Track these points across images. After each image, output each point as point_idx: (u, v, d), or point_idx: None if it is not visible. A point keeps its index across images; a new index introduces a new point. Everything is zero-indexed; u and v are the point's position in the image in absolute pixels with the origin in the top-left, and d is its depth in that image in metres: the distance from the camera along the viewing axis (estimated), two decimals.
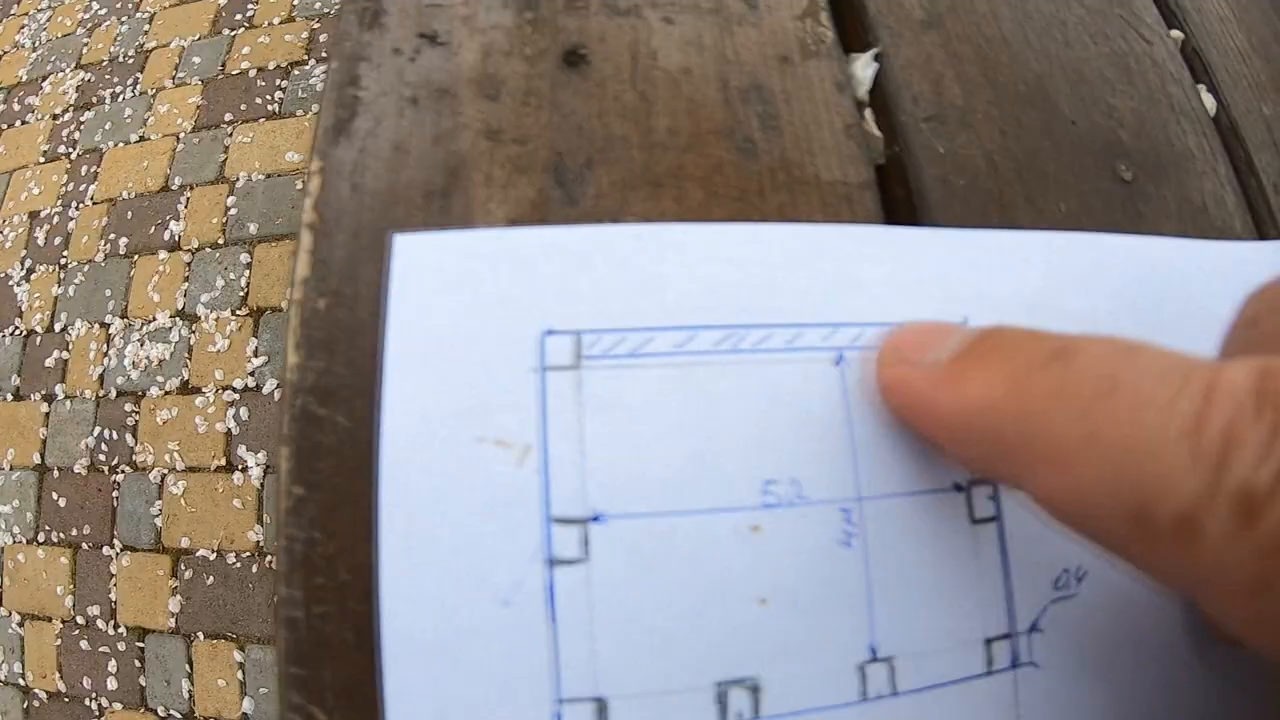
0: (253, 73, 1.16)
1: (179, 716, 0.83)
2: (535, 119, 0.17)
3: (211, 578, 0.87)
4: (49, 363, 1.01)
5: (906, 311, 0.15)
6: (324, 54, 1.16)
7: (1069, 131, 0.21)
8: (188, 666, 0.85)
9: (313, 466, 0.14)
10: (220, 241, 1.04)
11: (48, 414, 0.98)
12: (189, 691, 0.84)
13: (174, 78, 1.18)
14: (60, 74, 1.24)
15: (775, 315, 0.15)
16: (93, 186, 1.11)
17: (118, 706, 0.85)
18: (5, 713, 0.87)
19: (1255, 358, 0.10)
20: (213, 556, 0.88)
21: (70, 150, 1.16)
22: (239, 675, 0.84)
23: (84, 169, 1.13)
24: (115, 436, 0.95)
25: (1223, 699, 0.15)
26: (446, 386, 0.14)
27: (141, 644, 0.87)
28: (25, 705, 0.87)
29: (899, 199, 0.19)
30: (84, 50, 1.26)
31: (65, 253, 1.07)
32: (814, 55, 0.20)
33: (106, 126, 1.16)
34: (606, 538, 0.13)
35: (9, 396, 1.01)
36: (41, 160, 1.16)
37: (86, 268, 1.06)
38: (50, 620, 0.89)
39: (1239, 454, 0.09)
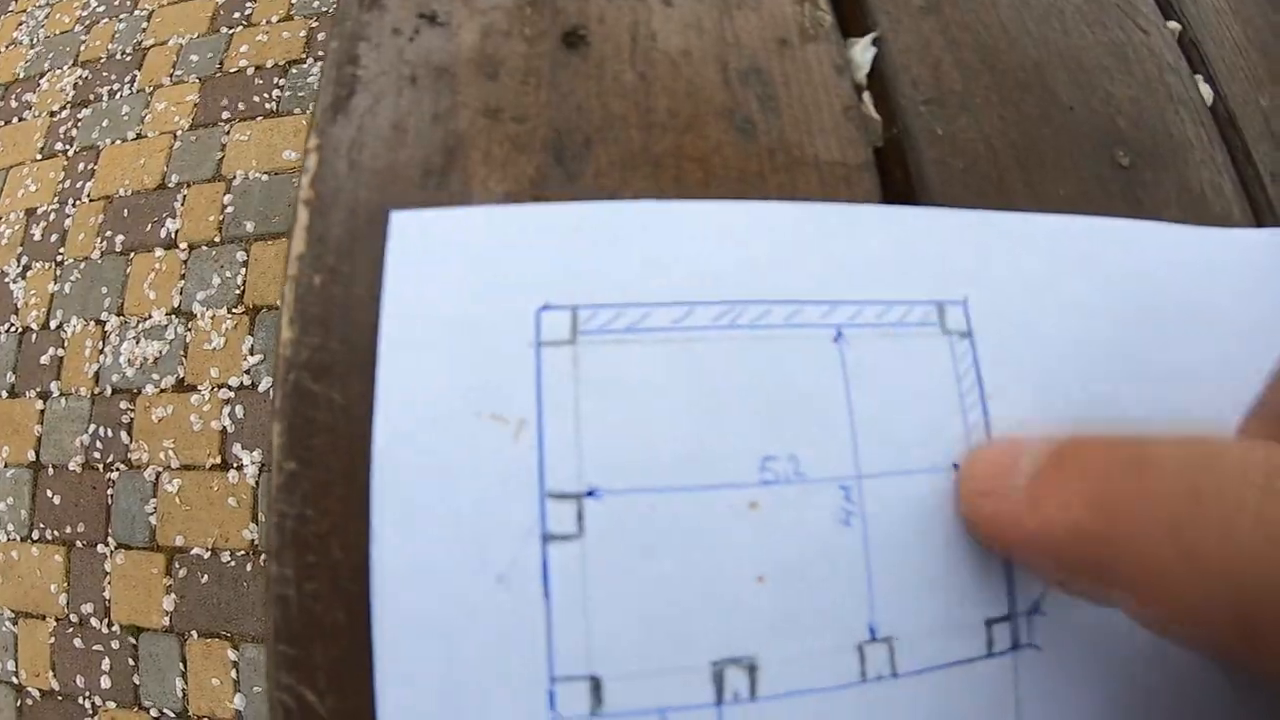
0: (250, 71, 1.16)
1: (172, 715, 0.83)
2: (534, 98, 0.17)
3: (206, 576, 0.87)
4: (44, 360, 1.00)
5: (906, 289, 0.15)
6: (322, 52, 1.15)
7: (1067, 117, 0.21)
8: (181, 665, 0.84)
9: (305, 443, 0.14)
10: (217, 239, 1.03)
11: (43, 411, 0.98)
12: (182, 690, 0.83)
13: (171, 75, 1.18)
14: (58, 71, 1.24)
15: (774, 292, 0.15)
16: (89, 184, 1.11)
17: (111, 705, 0.84)
18: None
19: None
20: (207, 555, 0.88)
21: (67, 147, 1.15)
22: (233, 674, 0.83)
23: (81, 166, 1.13)
24: (110, 434, 0.94)
25: (1224, 685, 0.15)
26: (442, 362, 0.14)
27: (135, 642, 0.86)
28: (18, 704, 0.86)
29: (898, 181, 0.19)
30: (82, 48, 1.25)
31: (61, 250, 1.07)
32: (813, 39, 0.20)
33: (104, 124, 1.16)
34: (602, 513, 0.13)
35: (4, 393, 1.00)
36: (38, 157, 1.16)
37: (83, 265, 1.05)
38: (44, 618, 0.89)
39: None
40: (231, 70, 1.17)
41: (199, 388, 0.95)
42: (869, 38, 0.20)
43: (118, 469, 0.93)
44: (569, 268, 0.14)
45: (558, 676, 0.12)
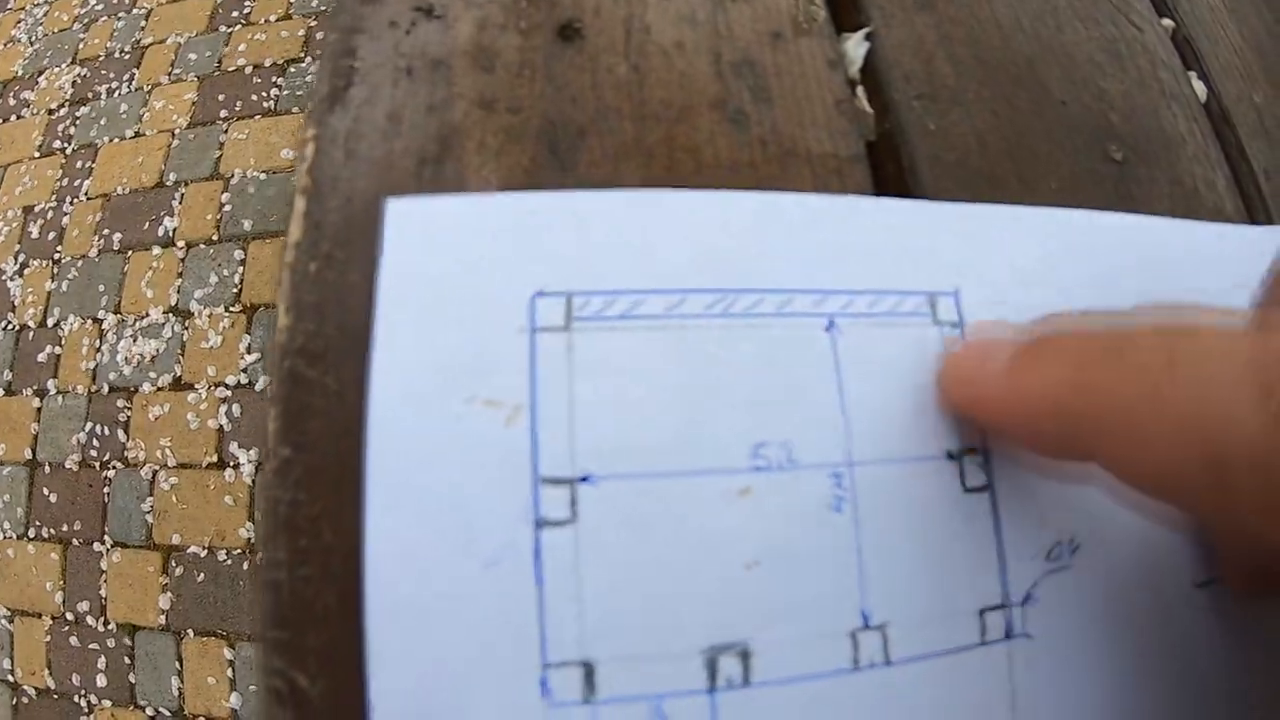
0: (249, 70, 1.16)
1: (168, 714, 0.83)
2: (529, 90, 0.17)
3: (202, 575, 0.87)
4: (41, 358, 1.00)
5: (898, 280, 0.15)
6: (320, 51, 1.15)
7: (1059, 112, 0.21)
8: (177, 664, 0.84)
9: (300, 428, 0.14)
10: (214, 238, 1.03)
11: (39, 409, 0.98)
12: (178, 689, 0.83)
13: (170, 74, 1.18)
14: (56, 69, 1.24)
15: (766, 281, 0.15)
16: (87, 182, 1.11)
17: (107, 703, 0.84)
18: None
19: None
20: (203, 553, 0.88)
21: (65, 145, 1.15)
22: (229, 673, 0.83)
23: (79, 164, 1.13)
24: (107, 432, 0.94)
25: (1216, 673, 0.15)
26: (437, 347, 0.14)
27: (131, 641, 0.86)
28: (14, 702, 0.86)
29: (890, 175, 0.19)
30: (80, 46, 1.25)
31: (59, 248, 1.07)
32: (806, 33, 0.20)
33: (102, 122, 1.16)
34: (595, 499, 0.13)
35: (1, 391, 1.00)
36: (36, 155, 1.16)
37: (80, 263, 1.05)
38: (40, 616, 0.89)
39: None
40: (230, 69, 1.17)
41: (196, 386, 0.95)
42: (862, 33, 0.20)
43: (114, 467, 0.93)
44: (563, 255, 0.14)
45: (550, 662, 0.12)
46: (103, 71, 1.21)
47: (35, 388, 0.99)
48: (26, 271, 1.07)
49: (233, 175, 1.07)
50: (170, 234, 1.04)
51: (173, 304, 1.00)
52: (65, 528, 0.91)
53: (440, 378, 0.13)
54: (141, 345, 0.98)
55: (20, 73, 1.25)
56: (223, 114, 1.13)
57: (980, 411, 0.14)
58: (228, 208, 1.05)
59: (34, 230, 1.09)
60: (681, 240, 0.15)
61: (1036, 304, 0.16)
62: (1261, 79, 0.25)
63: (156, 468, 0.91)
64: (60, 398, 0.98)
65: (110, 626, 0.87)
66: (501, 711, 0.12)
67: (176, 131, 1.12)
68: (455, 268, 0.14)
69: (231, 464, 0.90)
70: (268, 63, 1.16)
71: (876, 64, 0.20)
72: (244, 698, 0.82)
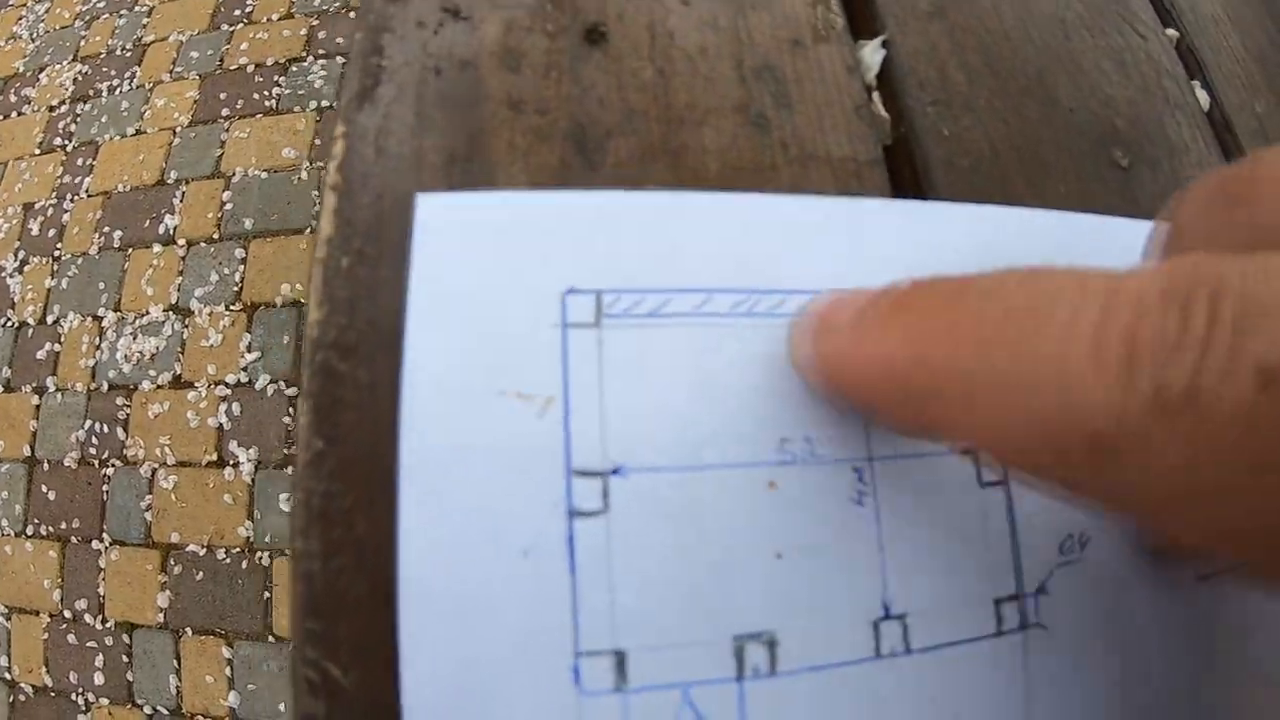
0: (251, 68, 1.16)
1: (166, 712, 0.82)
2: (556, 91, 0.18)
3: (201, 573, 0.86)
4: (40, 355, 1.00)
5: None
6: (322, 51, 1.16)
7: (1067, 119, 0.22)
8: (175, 662, 0.84)
9: (332, 420, 0.15)
10: (215, 236, 1.03)
11: (38, 406, 0.97)
12: (176, 687, 0.83)
13: (171, 72, 1.18)
14: (58, 66, 1.24)
15: (789, 282, 0.15)
16: (88, 179, 1.11)
17: (104, 701, 0.84)
18: None
19: (1166, 263, 0.09)
20: (202, 552, 0.87)
21: (66, 142, 1.15)
22: (227, 671, 0.83)
23: (79, 161, 1.12)
24: (106, 430, 0.94)
25: (1224, 665, 0.15)
26: (469, 341, 0.14)
27: (129, 639, 0.85)
28: (11, 699, 0.86)
29: (906, 178, 0.19)
30: (82, 43, 1.25)
31: (59, 245, 1.07)
32: (824, 40, 0.20)
33: (103, 119, 1.16)
34: (626, 490, 0.13)
35: (0, 388, 1.00)
36: (37, 152, 1.15)
37: (80, 260, 1.05)
38: (38, 614, 0.88)
39: (1147, 355, 0.09)
40: (231, 67, 1.17)
41: (196, 384, 0.95)
42: (878, 40, 0.21)
43: (113, 465, 0.92)
44: (593, 253, 0.15)
45: (582, 651, 0.13)
46: (104, 69, 1.21)
47: (34, 385, 0.99)
48: (26, 268, 1.06)
49: (234, 174, 1.07)
50: (171, 232, 1.04)
51: (173, 302, 1.00)
52: (64, 525, 0.91)
53: (473, 371, 0.14)
54: (141, 343, 0.98)
55: (21, 69, 1.25)
56: (224, 112, 1.13)
57: (825, 374, 0.13)
58: (229, 206, 1.05)
59: (34, 227, 1.09)
60: (707, 242, 0.15)
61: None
62: (1263, 88, 0.26)
63: (156, 466, 0.91)
64: (59, 395, 0.97)
65: (108, 624, 0.86)
66: (534, 700, 0.12)
67: (178, 129, 1.12)
68: (487, 264, 0.14)
69: (231, 462, 0.90)
70: (269, 61, 1.16)
71: (892, 71, 0.21)
72: (242, 696, 0.82)
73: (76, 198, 1.10)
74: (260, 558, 0.86)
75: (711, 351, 0.14)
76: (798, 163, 0.18)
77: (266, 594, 0.85)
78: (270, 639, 0.83)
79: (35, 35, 1.28)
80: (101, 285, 1.03)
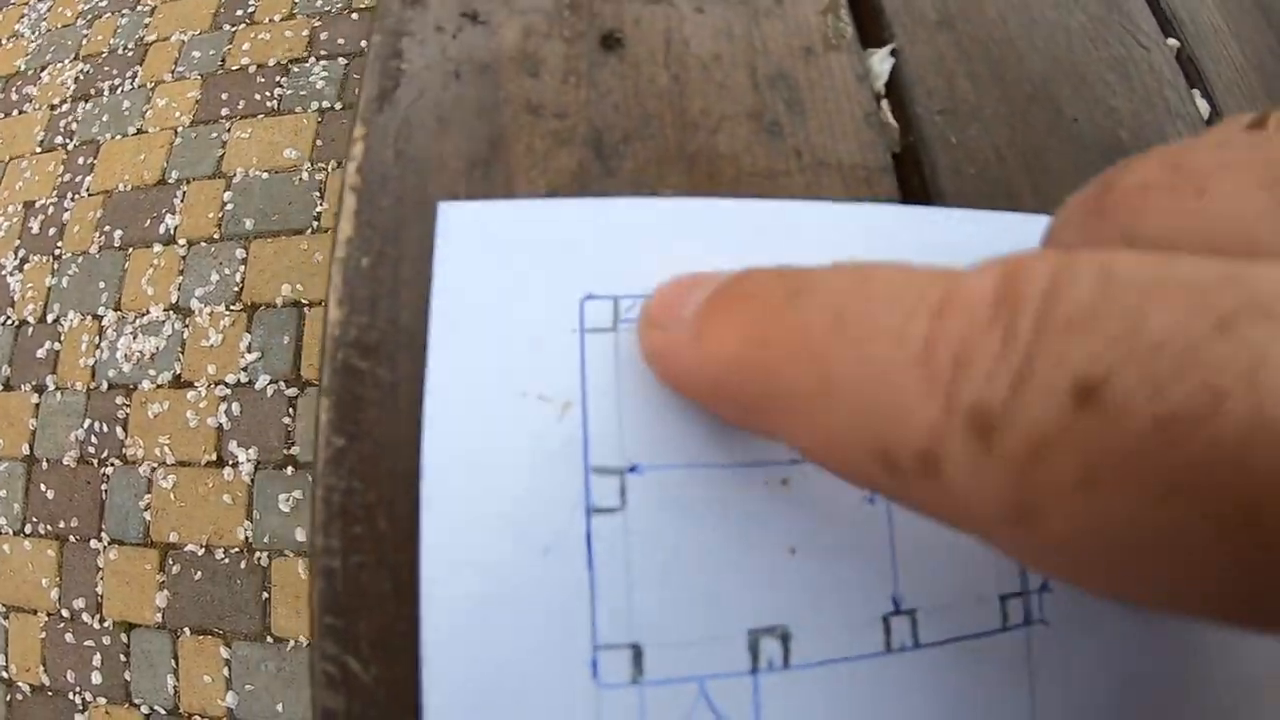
0: (252, 69, 1.16)
1: (163, 712, 0.82)
2: (574, 96, 0.18)
3: (199, 573, 0.86)
4: (40, 353, 1.00)
5: None
6: (324, 52, 1.16)
7: (1071, 129, 0.22)
8: (173, 662, 0.83)
9: (353, 418, 0.15)
10: (216, 236, 1.03)
11: (38, 405, 0.97)
12: (174, 687, 0.83)
13: (173, 72, 1.18)
14: (59, 65, 1.24)
15: None
16: (89, 178, 1.11)
17: (102, 701, 0.83)
18: None
19: (1000, 261, 0.09)
20: (201, 552, 0.87)
21: (67, 141, 1.15)
22: (224, 671, 0.83)
23: (80, 160, 1.12)
24: (105, 429, 0.94)
25: (1227, 662, 0.16)
26: (491, 345, 0.14)
27: (127, 638, 0.85)
28: (8, 698, 0.85)
29: (914, 185, 0.20)
30: (84, 42, 1.25)
31: (59, 244, 1.07)
32: (835, 48, 0.21)
33: (104, 119, 1.16)
34: (643, 487, 0.14)
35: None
36: (38, 150, 1.15)
37: (80, 259, 1.05)
38: (35, 613, 0.88)
39: (969, 371, 0.08)
40: (233, 68, 1.17)
41: (195, 384, 0.95)
42: (887, 49, 0.21)
43: (112, 464, 0.92)
44: (610, 260, 0.15)
45: (600, 645, 0.13)
46: (106, 68, 1.21)
47: (34, 383, 0.98)
48: (27, 267, 1.06)
49: (235, 174, 1.07)
50: (171, 231, 1.04)
51: (173, 302, 1.00)
52: (62, 524, 0.91)
53: (494, 373, 0.14)
54: (141, 343, 0.98)
55: (23, 68, 1.25)
56: (225, 112, 1.13)
57: (666, 368, 0.13)
58: (229, 206, 1.05)
59: (35, 226, 1.09)
60: (721, 248, 0.16)
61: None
62: (1263, 97, 0.26)
63: (155, 465, 0.91)
64: (59, 394, 0.97)
65: (106, 624, 0.86)
66: (554, 693, 0.13)
67: (179, 129, 1.12)
68: (507, 270, 0.15)
69: (230, 463, 0.90)
70: (271, 62, 1.17)
71: (901, 79, 0.21)
72: (239, 696, 0.81)
73: (77, 197, 1.10)
74: (259, 558, 0.86)
75: None
76: (810, 169, 0.18)
77: (265, 594, 0.85)
78: (268, 639, 0.83)
79: (37, 34, 1.29)
80: (102, 284, 1.02)
